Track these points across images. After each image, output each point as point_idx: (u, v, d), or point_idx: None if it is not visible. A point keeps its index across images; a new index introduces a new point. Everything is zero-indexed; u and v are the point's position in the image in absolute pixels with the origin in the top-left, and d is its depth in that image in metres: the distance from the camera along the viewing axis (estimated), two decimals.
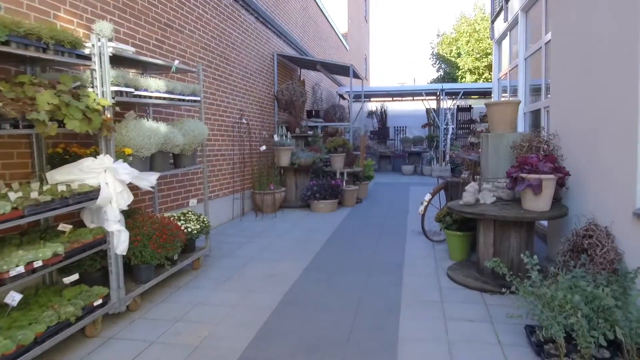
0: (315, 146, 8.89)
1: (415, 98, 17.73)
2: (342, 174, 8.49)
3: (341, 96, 13.76)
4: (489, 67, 24.18)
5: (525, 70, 6.82)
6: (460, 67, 24.75)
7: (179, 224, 4.19)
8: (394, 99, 18.05)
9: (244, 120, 7.56)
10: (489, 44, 23.94)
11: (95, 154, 3.36)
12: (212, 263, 4.82)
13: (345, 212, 7.82)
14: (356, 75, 10.92)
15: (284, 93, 8.99)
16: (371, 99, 17.91)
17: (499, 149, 4.80)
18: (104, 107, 3.21)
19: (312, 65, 10.28)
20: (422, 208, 5.31)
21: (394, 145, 17.74)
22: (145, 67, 4.53)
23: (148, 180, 3.47)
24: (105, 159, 3.27)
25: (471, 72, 24.56)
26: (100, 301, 3.25)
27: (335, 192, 7.84)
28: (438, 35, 27.31)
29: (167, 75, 5.27)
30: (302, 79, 11.08)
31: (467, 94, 16.35)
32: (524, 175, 3.84)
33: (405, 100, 18.14)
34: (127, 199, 3.34)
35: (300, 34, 11.95)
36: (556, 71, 4.73)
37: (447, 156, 14.20)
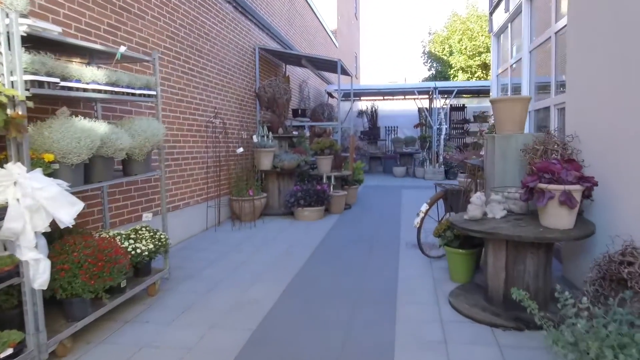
0: (300, 148, 8.18)
1: (406, 97, 17.09)
2: (329, 178, 7.79)
3: (330, 94, 13.09)
4: (481, 66, 23.65)
5: (530, 65, 6.18)
6: (453, 66, 24.19)
7: (126, 244, 3.45)
8: (385, 97, 17.40)
9: (218, 120, 6.83)
10: (482, 42, 23.41)
11: (6, 161, 2.63)
12: (172, 287, 4.09)
13: (333, 220, 7.12)
14: (345, 72, 10.22)
15: (266, 90, 8.28)
16: (361, 98, 17.24)
17: (506, 152, 4.14)
18: (11, 99, 2.48)
19: (297, 60, 9.58)
20: (418, 220, 4.63)
21: (385, 146, 17.09)
22: (92, 56, 3.79)
23: (68, 213, 2.67)
24: (14, 168, 2.53)
25: (464, 70, 24.00)
26: (10, 351, 2.52)
27: (322, 199, 7.14)
28: (429, 33, 26.77)
29: (124, 67, 4.53)
30: (287, 75, 10.36)
31: (461, 92, 15.76)
32: (543, 185, 3.17)
33: (396, 99, 17.50)
34: (45, 218, 2.61)
35: (286, 27, 11.23)
36: (574, 62, 4.07)
37: (441, 158, 13.57)
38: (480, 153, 7.23)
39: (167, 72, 5.55)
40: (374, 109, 16.64)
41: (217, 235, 6.14)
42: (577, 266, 3.89)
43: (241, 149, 6.73)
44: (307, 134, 9.96)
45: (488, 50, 23.47)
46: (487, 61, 23.46)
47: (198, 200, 6.31)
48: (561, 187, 3.10)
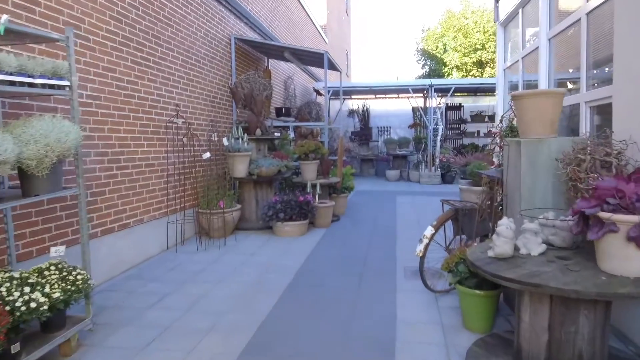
0: (281, 152, 7.19)
1: (400, 95, 16.16)
2: (314, 186, 6.80)
3: (318, 92, 12.09)
4: (477, 63, 22.82)
5: (549, 56, 5.24)
6: (447, 64, 23.33)
7: (15, 295, 2.44)
8: (377, 96, 16.45)
9: (181, 120, 5.82)
10: (477, 38, 22.58)
11: None
12: (99, 340, 3.08)
13: (318, 236, 6.14)
14: (333, 67, 9.25)
15: (243, 85, 7.27)
16: (352, 97, 16.28)
17: (536, 162, 3.20)
18: None
19: (279, 53, 8.58)
20: (421, 248, 3.65)
21: (377, 148, 16.14)
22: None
23: None
24: None
25: (458, 68, 23.16)
26: None
27: (305, 211, 6.15)
28: (423, 30, 25.87)
29: (42, 52, 3.51)
30: (268, 69, 9.36)
31: (458, 90, 14.86)
32: (606, 215, 2.20)
33: (389, 97, 16.56)
34: None
35: (269, 18, 10.22)
36: (628, 43, 3.13)
37: (437, 160, 12.66)
38: (494, 160, 6.29)
39: (112, 61, 4.53)
40: (365, 108, 15.70)
41: (177, 258, 5.13)
42: (634, 315, 2.95)
43: (208, 154, 5.71)
44: (292, 135, 8.98)
45: (484, 48, 22.65)
46: (483, 58, 22.64)
47: (155, 215, 5.29)
48: (635, 218, 2.14)
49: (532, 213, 2.94)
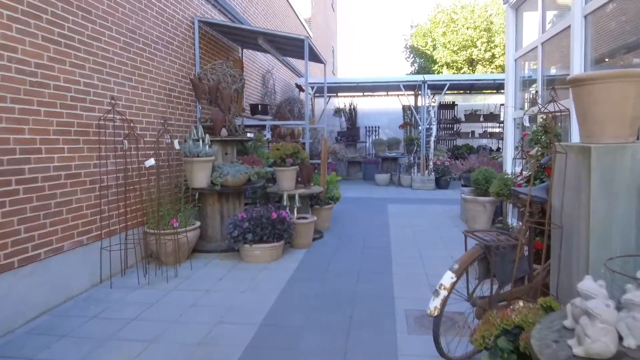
0: (253, 156, 6.01)
1: (389, 93, 15.10)
2: (292, 197, 5.64)
3: (300, 88, 10.89)
4: (467, 61, 21.91)
5: (586, 36, 4.17)
6: (437, 61, 22.37)
7: None
8: (365, 94, 15.36)
9: (119, 116, 4.61)
10: (467, 35, 21.66)
11: None
12: None
13: (295, 262, 4.99)
14: (316, 58, 8.11)
15: (208, 77, 6.09)
16: (338, 94, 15.16)
17: (613, 179, 2.13)
18: None
19: (253, 40, 7.40)
20: (436, 305, 2.50)
21: (366, 149, 15.05)
22: None
23: None
24: None
25: (449, 66, 22.23)
26: None
27: (279, 231, 5.00)
28: (411, 26, 24.89)
29: None
30: (240, 59, 8.17)
31: (453, 87, 13.84)
32: None
33: (378, 95, 15.49)
34: None
35: (244, 3, 9.03)
36: None
37: (431, 163, 11.60)
38: (519, 171, 5.18)
39: (10, 37, 3.32)
40: (352, 106, 14.59)
41: (109, 297, 3.93)
42: None
43: (152, 161, 4.50)
44: (268, 136, 7.82)
45: (474, 45, 21.75)
46: (474, 56, 21.74)
47: (82, 240, 4.08)
48: None
49: (624, 265, 1.84)
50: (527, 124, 3.82)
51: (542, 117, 3.82)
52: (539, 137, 3.57)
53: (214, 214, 5.48)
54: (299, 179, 6.21)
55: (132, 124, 4.63)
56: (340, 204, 8.77)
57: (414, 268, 4.70)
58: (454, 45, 21.64)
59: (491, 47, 21.52)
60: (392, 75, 12.48)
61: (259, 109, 8.37)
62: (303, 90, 10.87)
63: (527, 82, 6.28)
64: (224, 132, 5.75)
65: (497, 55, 21.60)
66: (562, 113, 3.93)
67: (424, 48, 23.08)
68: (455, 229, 6.60)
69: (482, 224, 6.46)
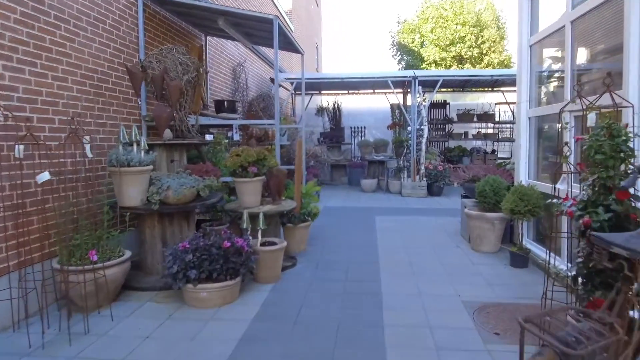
0: (204, 165, 4.78)
1: (376, 91, 13.97)
2: (254, 217, 4.42)
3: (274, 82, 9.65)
4: (456, 58, 20.94)
5: None
6: (425, 59, 21.36)
7: None
8: (350, 91, 14.21)
9: (9, 113, 3.36)
10: (456, 31, 20.68)
11: None
12: None
13: (255, 306, 3.77)
14: (291, 46, 6.92)
15: (153, 65, 4.85)
16: (321, 92, 13.98)
17: None
18: None
19: (211, 20, 6.12)
20: None
21: (351, 152, 13.89)
22: None
23: None
24: None
25: (437, 63, 21.22)
26: None
27: (235, 264, 3.78)
28: (398, 22, 23.85)
29: None
30: (200, 46, 6.92)
31: (446, 85, 12.75)
32: None
33: (364, 93, 14.35)
34: None
35: None
36: None
37: (422, 168, 10.49)
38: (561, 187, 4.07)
39: None
40: (336, 105, 13.42)
41: None
42: None
43: (46, 175, 3.26)
44: (236, 137, 6.61)
45: (462, 41, 20.78)
46: (463, 53, 20.77)
47: None
48: None
49: None
50: (591, 122, 2.68)
51: (587, 114, 2.70)
52: (596, 143, 2.44)
53: (153, 239, 4.25)
54: (267, 192, 5.01)
55: (27, 124, 3.37)
56: (321, 216, 7.58)
57: (413, 315, 3.54)
58: (442, 42, 20.64)
59: (480, 43, 20.58)
60: (379, 70, 11.54)
61: (225, 106, 7.13)
62: (284, 88, 9.66)
63: (546, 77, 5.18)
64: (167, 133, 4.52)
65: (485, 52, 20.67)
66: (618, 108, 2.82)
67: (411, 45, 22.05)
68: (458, 251, 5.46)
69: (489, 245, 5.34)
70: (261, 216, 4.34)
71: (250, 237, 4.25)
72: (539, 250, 4.86)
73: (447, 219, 7.55)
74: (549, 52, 5.07)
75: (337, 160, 13.02)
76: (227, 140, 5.92)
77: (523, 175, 5.25)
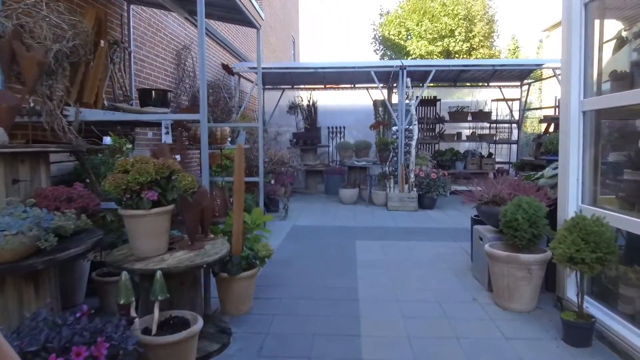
0: (69, 189, 2.90)
1: (357, 85, 12.23)
2: (145, 277, 2.59)
3: (229, 70, 7.63)
4: (444, 53, 19.38)
5: None
6: (411, 53, 19.74)
7: None
8: (327, 86, 12.43)
9: None
10: (445, 23, 19.12)
11: None
12: None
13: None
14: (238, 15, 5.10)
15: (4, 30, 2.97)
16: (294, 86, 12.16)
17: None
18: None
19: None
20: None
21: (328, 155, 12.12)
22: None
23: None
24: None
25: (424, 58, 19.61)
26: None
27: None
28: (381, 14, 22.22)
29: None
30: (95, 9, 5.00)
31: (437, 78, 11.07)
32: None
33: (343, 88, 12.59)
34: None
35: None
36: None
37: (412, 175, 8.77)
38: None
39: None
40: (311, 102, 11.63)
41: None
42: None
43: None
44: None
45: (452, 35, 19.24)
46: (451, 47, 19.23)
47: None
48: None
49: None
50: None
51: None
52: None
53: None
54: (182, 230, 3.18)
55: None
56: (286, 243, 5.77)
57: None
58: (429, 34, 19.05)
59: (469, 38, 19.08)
60: (360, 60, 10.07)
61: (153, 97, 5.26)
62: (232, 74, 7.74)
63: (612, 45, 3.47)
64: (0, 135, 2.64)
65: (475, 47, 19.18)
66: None
67: (396, 38, 20.39)
68: (476, 309, 3.71)
69: (523, 301, 3.61)
70: (158, 277, 2.50)
71: (137, 320, 2.41)
72: (606, 317, 3.14)
73: (449, 245, 5.82)
74: (620, 13, 3.37)
75: (312, 166, 11.22)
76: (130, 146, 4.05)
77: (573, 197, 3.53)
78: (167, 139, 5.21)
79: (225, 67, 6.52)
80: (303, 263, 5.06)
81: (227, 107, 6.32)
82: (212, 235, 3.32)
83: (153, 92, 5.32)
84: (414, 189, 8.73)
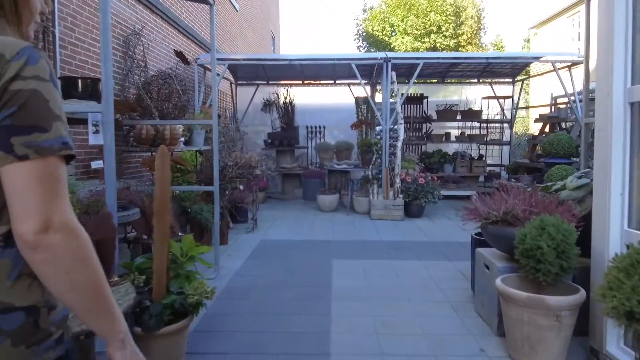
0: None
1: (338, 81, 11.29)
2: None
3: (184, 59, 6.60)
4: (431, 50, 18.58)
5: None
6: (396, 49, 18.89)
7: None
8: (306, 82, 11.46)
9: None
10: (432, 20, 18.32)
11: None
12: None
13: None
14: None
15: None
16: (269, 82, 11.16)
17: None
18: None
19: None
20: None
21: (307, 157, 11.16)
22: None
23: None
24: None
25: None
26: None
27: None
28: (364, 10, 21.35)
29: None
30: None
31: (424, 74, 10.19)
32: None
33: (324, 84, 11.64)
34: None
35: None
36: None
37: (398, 180, 7.86)
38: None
39: None
40: (288, 99, 10.65)
41: None
42: None
43: None
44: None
45: (439, 31, 18.46)
46: (438, 44, 18.45)
47: None
48: None
49: None
50: None
51: None
52: None
53: None
54: None
55: None
56: (248, 266, 4.78)
57: None
58: (415, 30, 18.23)
59: (457, 34, 18.33)
60: (341, 52, 9.24)
61: (80, 87, 4.22)
62: (188, 63, 6.72)
63: None
64: None
65: (463, 44, 18.45)
66: None
67: (380, 34, 19.51)
68: None
69: (550, 356, 2.69)
70: None
71: None
72: None
73: (442, 266, 4.91)
74: None
75: (289, 169, 10.24)
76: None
77: (616, 219, 2.63)
78: (95, 139, 4.18)
79: (179, 55, 5.52)
80: (265, 294, 4.07)
81: (180, 102, 5.35)
82: (116, 278, 2.32)
83: (79, 81, 4.27)
84: (400, 196, 7.82)
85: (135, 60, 6.20)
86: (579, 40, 17.12)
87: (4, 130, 0.76)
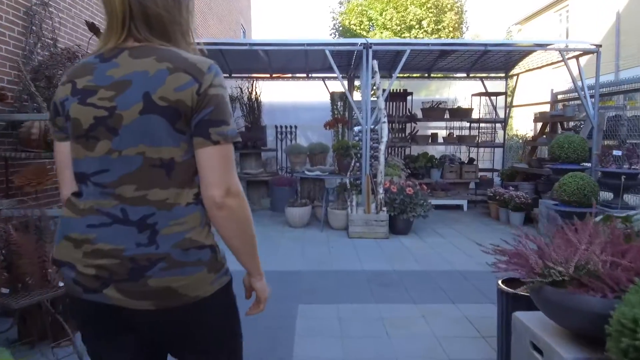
0: None
1: (312, 75, 9.96)
2: None
3: (94, 30, 5.36)
4: None
5: None
6: None
7: None
8: (274, 75, 10.08)
9: None
10: (413, 13, 17.20)
11: None
12: None
13: None
14: None
15: None
16: (232, 75, 9.72)
17: None
18: None
19: None
20: None
21: (277, 161, 9.77)
22: None
23: None
24: None
25: None
26: None
27: None
28: (341, 2, 20.10)
29: None
30: None
31: (409, 67, 8.91)
32: None
33: (295, 78, 10.28)
34: None
35: None
36: None
37: (381, 190, 6.55)
38: None
39: None
40: (254, 94, 9.26)
41: None
42: None
43: None
44: None
45: (420, 25, 17.35)
46: (419, 39, 17.34)
47: None
48: None
49: None
50: None
51: None
52: None
53: None
54: None
55: None
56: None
57: None
58: (395, 24, 17.05)
59: (438, 29, 17.27)
60: (314, 38, 8.17)
61: None
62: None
63: None
64: None
65: (443, 38, 17.42)
66: None
67: (357, 28, 18.26)
68: None
69: None
70: None
71: None
72: None
73: (447, 313, 3.61)
74: None
75: (254, 175, 8.83)
76: None
77: None
78: None
79: (92, 28, 4.14)
80: None
81: None
82: None
83: None
84: (384, 209, 6.52)
85: (42, 38, 4.72)
86: (567, 37, 16.28)
87: (206, 123, 1.13)
